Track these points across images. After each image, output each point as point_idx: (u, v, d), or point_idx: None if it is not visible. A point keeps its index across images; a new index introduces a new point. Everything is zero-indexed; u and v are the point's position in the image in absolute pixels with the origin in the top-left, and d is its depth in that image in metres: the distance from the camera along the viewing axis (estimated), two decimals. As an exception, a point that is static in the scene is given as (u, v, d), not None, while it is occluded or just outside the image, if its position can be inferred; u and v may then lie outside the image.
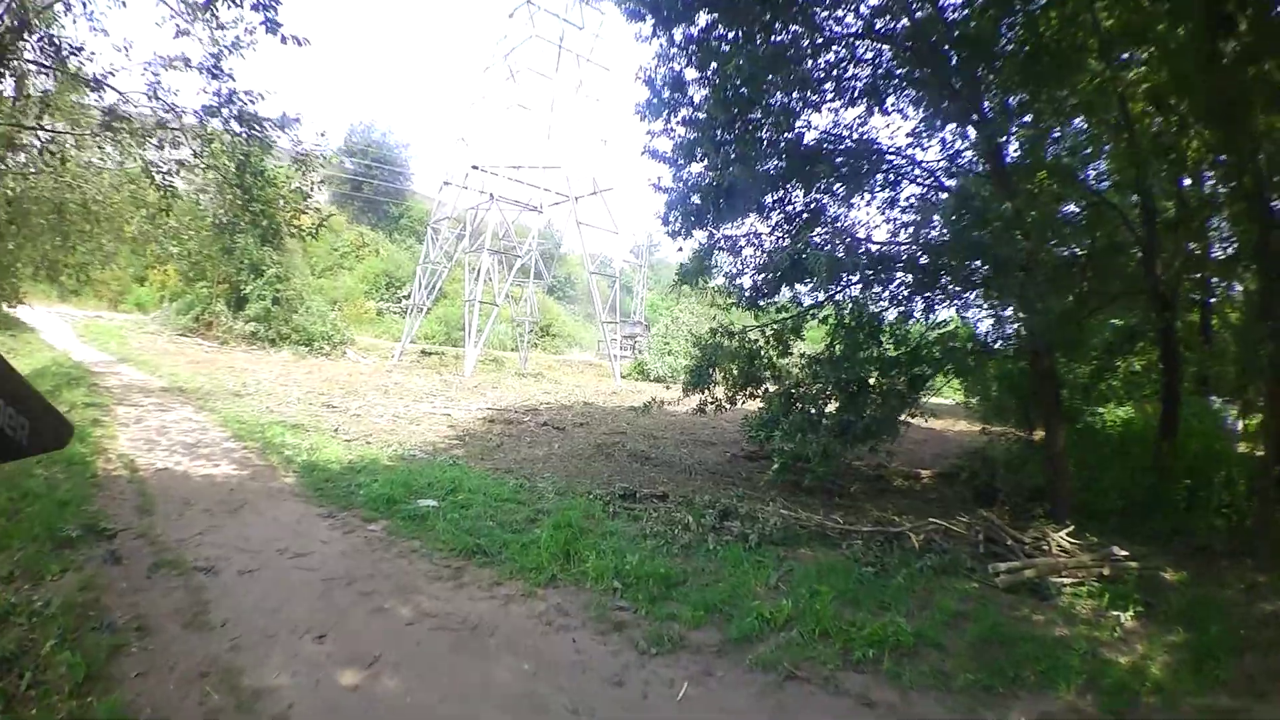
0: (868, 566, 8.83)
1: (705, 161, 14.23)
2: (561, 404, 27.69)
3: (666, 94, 13.92)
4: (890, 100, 14.15)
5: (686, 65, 13.57)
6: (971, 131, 13.29)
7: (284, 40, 11.58)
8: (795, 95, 13.75)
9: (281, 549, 8.27)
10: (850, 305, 14.23)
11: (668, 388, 20.40)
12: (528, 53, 38.73)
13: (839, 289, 14.32)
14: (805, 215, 14.93)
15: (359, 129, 64.04)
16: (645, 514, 10.75)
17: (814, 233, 14.59)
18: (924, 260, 13.48)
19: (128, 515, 8.96)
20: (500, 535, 9.14)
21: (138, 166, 15.10)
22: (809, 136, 14.29)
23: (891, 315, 14.56)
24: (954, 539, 10.01)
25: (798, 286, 15.18)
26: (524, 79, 38.29)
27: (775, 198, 14.65)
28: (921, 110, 14.15)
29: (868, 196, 15.24)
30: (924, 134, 14.40)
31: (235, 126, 12.89)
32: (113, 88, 13.06)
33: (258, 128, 12.90)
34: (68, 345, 27.42)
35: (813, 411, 13.15)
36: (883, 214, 15.64)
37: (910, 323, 14.69)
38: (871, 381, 13.43)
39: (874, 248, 14.27)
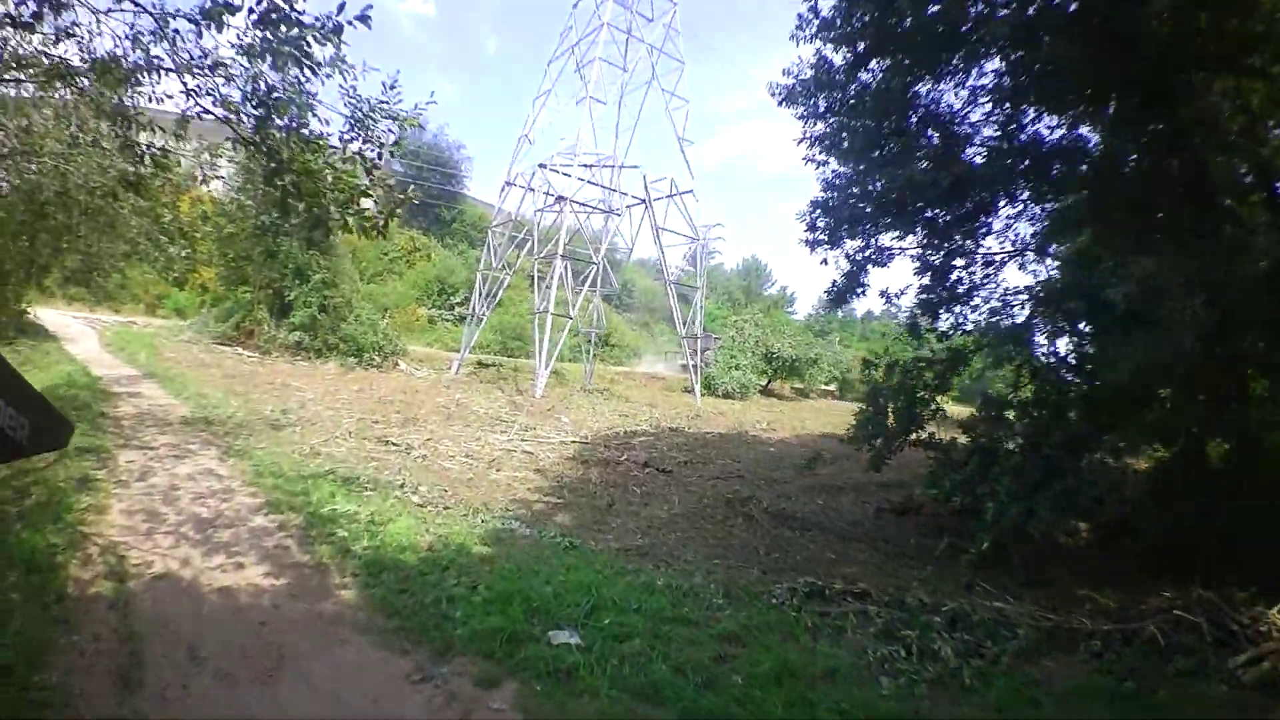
0: (1125, 681, 7.35)
1: (859, 162, 12.90)
2: (647, 431, 24.54)
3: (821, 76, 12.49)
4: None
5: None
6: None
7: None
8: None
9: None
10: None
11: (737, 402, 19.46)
12: (596, 45, 35.08)
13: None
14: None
15: (410, 129, 59.65)
16: (848, 622, 8.26)
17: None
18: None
19: (100, 690, 5.40)
20: (690, 693, 6.15)
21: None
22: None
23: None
24: (1180, 627, 8.24)
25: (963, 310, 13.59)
26: (592, 74, 34.46)
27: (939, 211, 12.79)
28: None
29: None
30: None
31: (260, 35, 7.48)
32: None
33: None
34: (90, 355, 23.87)
35: (1022, 471, 10.73)
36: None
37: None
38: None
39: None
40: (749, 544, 11.85)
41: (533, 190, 35.51)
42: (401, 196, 9.65)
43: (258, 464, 12.46)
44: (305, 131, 8.06)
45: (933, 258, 13.52)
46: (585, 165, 33.89)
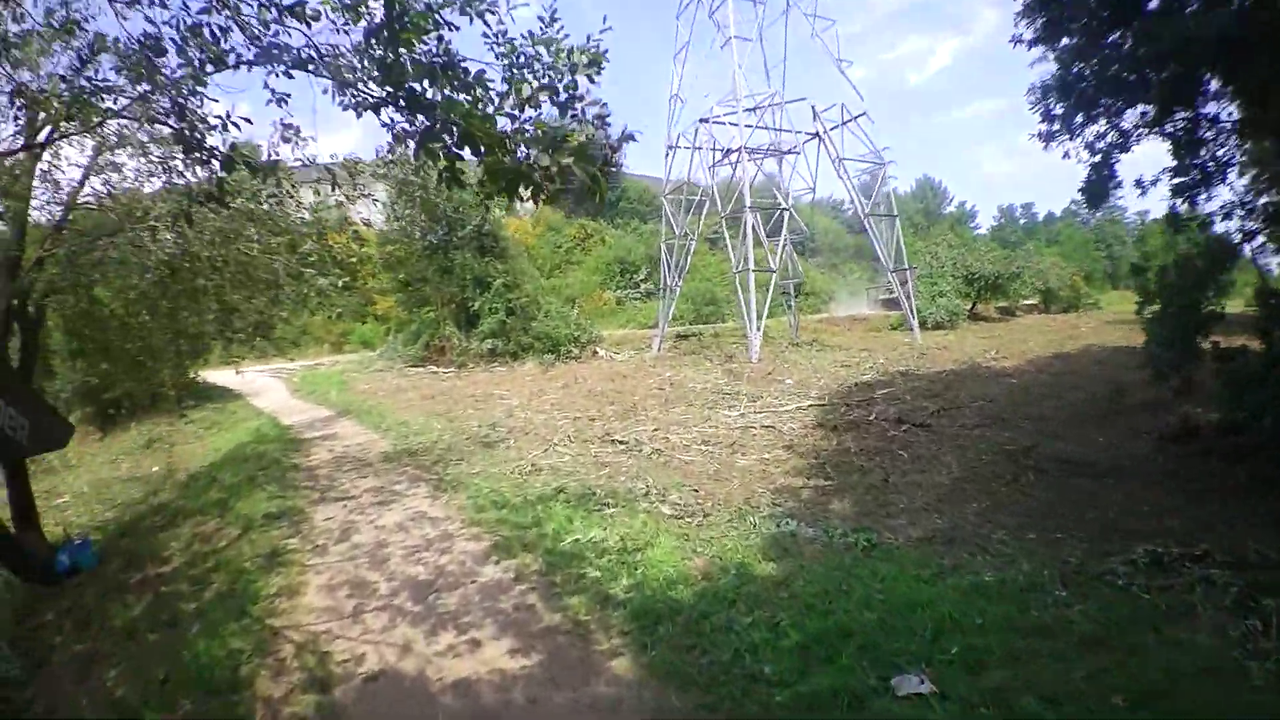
0: None
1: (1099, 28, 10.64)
2: (878, 380, 21.63)
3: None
4: None
5: None
6: None
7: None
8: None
9: None
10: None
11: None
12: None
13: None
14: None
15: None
16: (1196, 595, 6.49)
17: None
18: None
19: None
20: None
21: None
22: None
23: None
24: None
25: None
26: (729, 13, 31.31)
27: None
28: None
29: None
30: None
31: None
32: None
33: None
34: (279, 405, 23.21)
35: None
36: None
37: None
38: None
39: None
40: (1052, 505, 9.75)
41: (699, 149, 32.86)
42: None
43: (475, 495, 10.57)
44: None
45: (1182, 131, 11.11)
46: (749, 110, 30.98)
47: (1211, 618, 6.18)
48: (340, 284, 12.82)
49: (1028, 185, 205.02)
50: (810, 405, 17.73)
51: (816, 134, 32.50)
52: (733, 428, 15.50)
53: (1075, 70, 10.68)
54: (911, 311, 33.39)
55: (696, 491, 10.81)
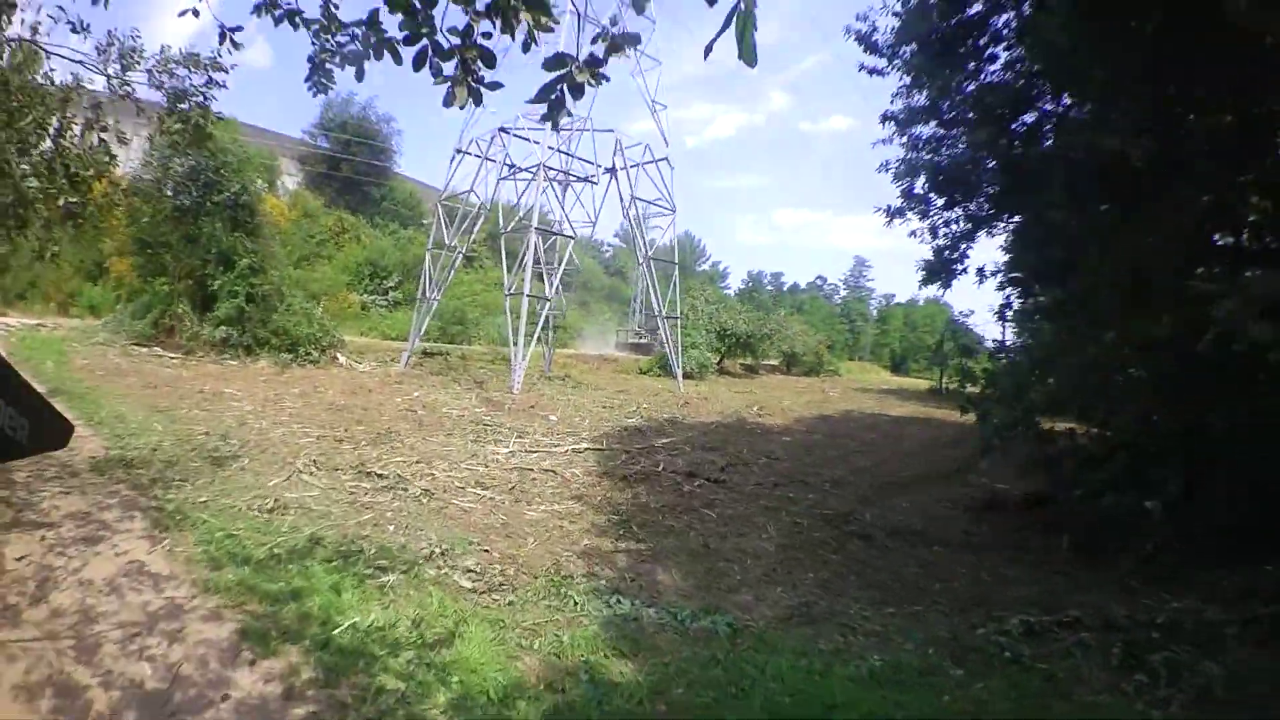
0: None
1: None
2: (647, 425, 21.44)
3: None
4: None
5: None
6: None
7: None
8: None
9: None
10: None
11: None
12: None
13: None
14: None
15: (336, 101, 53.62)
16: (1078, 659, 6.75)
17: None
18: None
19: None
20: None
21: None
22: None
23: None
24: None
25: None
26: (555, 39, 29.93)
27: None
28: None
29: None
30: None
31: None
32: None
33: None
34: None
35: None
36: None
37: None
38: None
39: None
40: (895, 575, 9.90)
41: (490, 160, 31.14)
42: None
43: (207, 540, 8.29)
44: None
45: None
46: (555, 129, 29.56)
47: (1101, 678, 6.40)
48: (68, 211, 9.96)
49: (776, 257, 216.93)
50: (586, 449, 16.80)
51: (613, 169, 31.60)
52: (506, 467, 14.26)
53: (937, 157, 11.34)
54: (676, 359, 33.25)
55: (487, 552, 9.32)
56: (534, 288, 28.63)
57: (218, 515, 9.28)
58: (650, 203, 33.41)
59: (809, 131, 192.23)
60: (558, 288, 31.14)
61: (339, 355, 28.85)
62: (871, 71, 13.73)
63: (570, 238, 30.65)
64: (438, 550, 9.09)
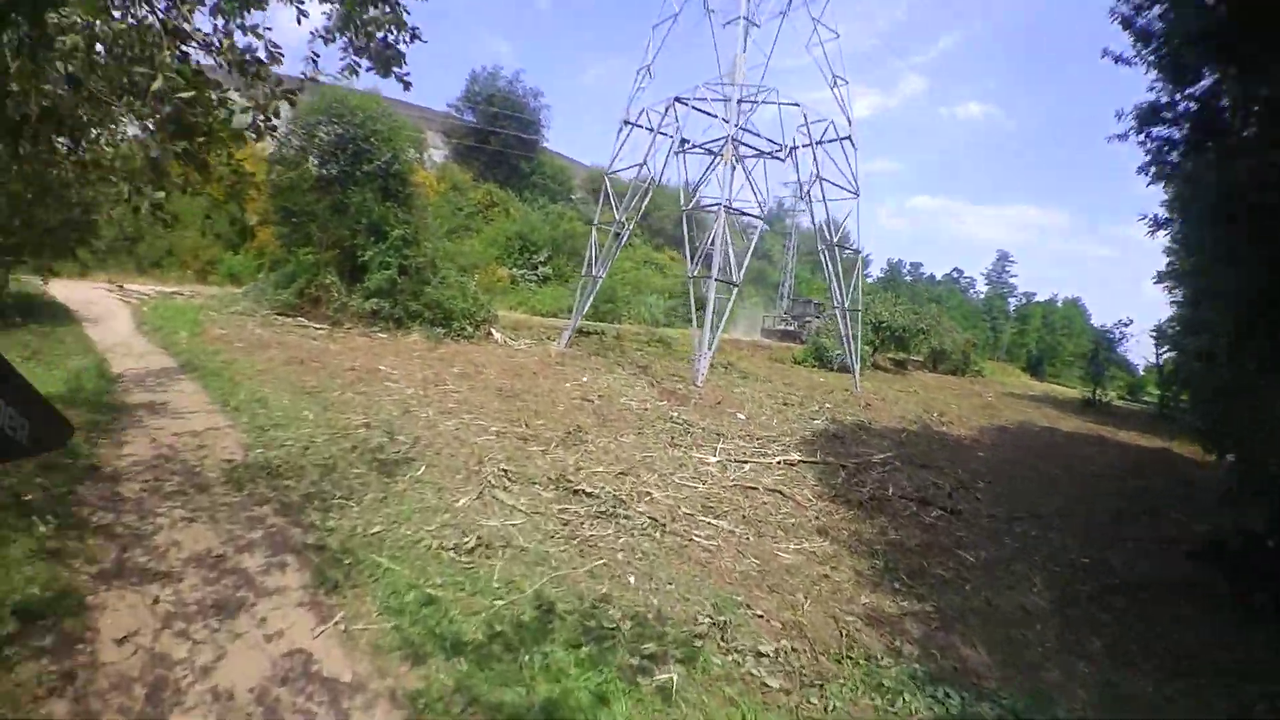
0: None
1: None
2: (841, 430, 18.75)
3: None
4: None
5: None
6: None
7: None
8: None
9: None
10: None
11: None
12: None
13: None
14: None
15: (482, 75, 51.67)
16: None
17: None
18: None
19: None
20: None
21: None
22: None
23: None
24: None
25: None
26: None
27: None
28: None
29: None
30: None
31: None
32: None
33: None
34: (116, 340, 16.99)
35: None
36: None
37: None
38: None
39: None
40: (1168, 639, 8.79)
41: (662, 132, 27.64)
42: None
43: (397, 607, 5.60)
44: None
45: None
46: (740, 100, 25.95)
47: None
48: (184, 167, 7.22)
49: (911, 245, 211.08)
50: (799, 460, 13.91)
51: (793, 145, 27.84)
52: (725, 484, 11.53)
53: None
54: (855, 356, 29.73)
55: (764, 619, 6.81)
56: (715, 271, 25.10)
57: (402, 558, 6.53)
58: (832, 183, 29.49)
59: (945, 117, 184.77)
60: (741, 274, 27.44)
61: (494, 331, 26.37)
62: (1118, 59, 11.07)
63: (762, 219, 27.24)
64: (711, 621, 6.40)
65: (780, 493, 11.53)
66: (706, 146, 26.66)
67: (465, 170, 45.81)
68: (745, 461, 13.33)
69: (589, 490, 9.62)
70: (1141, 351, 72.68)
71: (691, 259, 25.58)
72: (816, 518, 10.79)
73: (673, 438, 14.35)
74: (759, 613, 6.90)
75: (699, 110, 26.31)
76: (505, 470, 9.99)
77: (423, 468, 9.60)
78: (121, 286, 25.38)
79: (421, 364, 18.72)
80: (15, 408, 2.25)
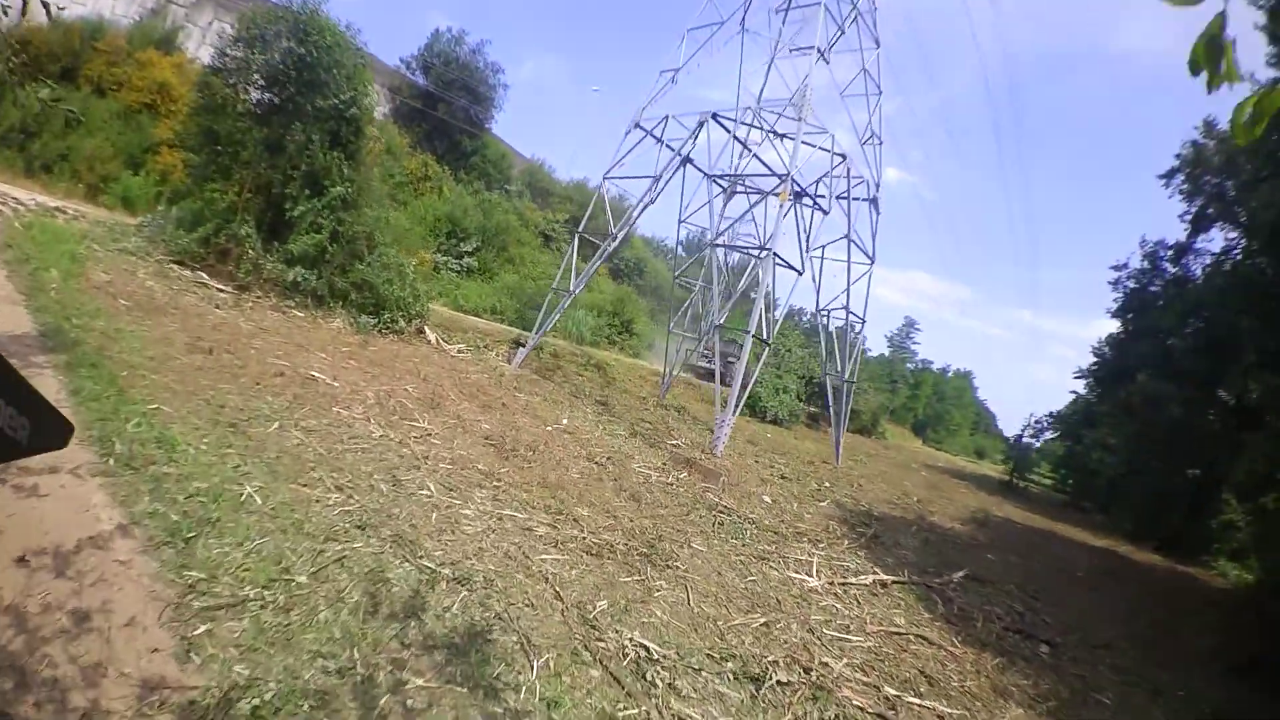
0: None
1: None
2: (856, 517, 16.54)
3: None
4: None
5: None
6: None
7: None
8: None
9: None
10: None
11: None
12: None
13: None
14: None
15: (447, 36, 45.03)
16: None
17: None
18: None
19: None
20: None
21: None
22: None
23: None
24: None
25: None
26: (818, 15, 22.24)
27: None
28: None
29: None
30: None
31: None
32: None
33: None
34: None
35: None
36: None
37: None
38: None
39: None
40: None
41: (670, 148, 23.44)
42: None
43: None
44: None
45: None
46: (798, 118, 21.06)
47: None
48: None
49: (810, 296, 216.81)
50: (893, 581, 11.49)
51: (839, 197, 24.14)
52: (868, 626, 8.89)
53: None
54: (838, 437, 26.41)
55: None
56: (752, 325, 20.37)
57: None
58: (857, 244, 25.85)
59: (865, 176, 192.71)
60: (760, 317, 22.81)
61: (426, 329, 21.53)
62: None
63: (798, 272, 22.47)
64: None
65: (925, 640, 9.06)
66: (753, 184, 23.34)
67: (404, 134, 39.66)
68: (846, 583, 10.29)
69: (781, 679, 6.00)
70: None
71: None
72: (976, 673, 8.48)
73: (743, 542, 10.83)
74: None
75: (738, 140, 22.77)
76: (644, 646, 5.79)
77: (533, 669, 4.95)
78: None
79: (360, 371, 13.97)
80: (15, 407, 2.09)
